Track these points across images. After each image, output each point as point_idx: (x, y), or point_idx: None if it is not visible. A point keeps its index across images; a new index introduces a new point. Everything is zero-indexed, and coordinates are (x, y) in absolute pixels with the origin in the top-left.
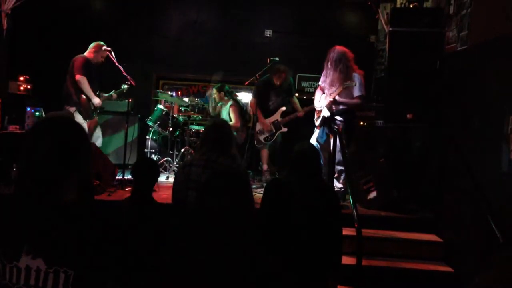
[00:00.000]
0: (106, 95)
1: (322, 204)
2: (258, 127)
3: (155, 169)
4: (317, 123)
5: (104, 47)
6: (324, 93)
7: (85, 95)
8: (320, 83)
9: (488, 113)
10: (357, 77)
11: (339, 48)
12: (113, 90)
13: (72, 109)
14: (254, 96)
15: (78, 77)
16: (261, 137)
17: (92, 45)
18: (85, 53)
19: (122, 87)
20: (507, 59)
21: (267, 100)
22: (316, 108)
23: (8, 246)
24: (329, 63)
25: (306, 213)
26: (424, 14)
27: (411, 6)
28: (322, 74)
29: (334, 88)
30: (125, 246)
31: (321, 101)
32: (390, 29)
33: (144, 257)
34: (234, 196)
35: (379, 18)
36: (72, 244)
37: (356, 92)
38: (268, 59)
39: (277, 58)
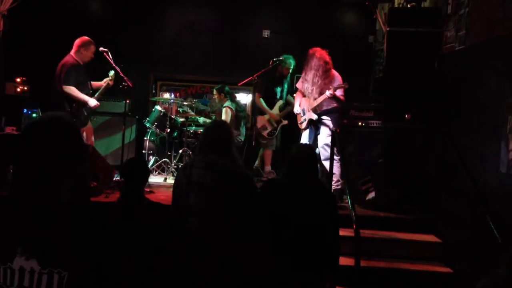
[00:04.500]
0: (97, 93)
1: (318, 205)
2: (261, 123)
3: (145, 169)
4: (302, 126)
5: (92, 45)
6: (304, 96)
7: (79, 102)
8: (299, 87)
9: (486, 113)
10: (337, 77)
11: (316, 50)
12: (103, 86)
13: None
14: (259, 91)
15: (65, 88)
16: (265, 133)
17: (78, 42)
18: (72, 52)
19: (109, 74)
20: (505, 58)
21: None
22: (295, 112)
23: (1, 247)
24: (308, 66)
25: (302, 214)
26: (422, 14)
27: (409, 6)
28: (301, 79)
29: (316, 90)
30: (119, 247)
31: (302, 104)
32: (388, 29)
33: (137, 258)
34: (241, 199)
35: (377, 18)
36: (66, 245)
37: (338, 92)
38: (271, 61)
39: (281, 58)
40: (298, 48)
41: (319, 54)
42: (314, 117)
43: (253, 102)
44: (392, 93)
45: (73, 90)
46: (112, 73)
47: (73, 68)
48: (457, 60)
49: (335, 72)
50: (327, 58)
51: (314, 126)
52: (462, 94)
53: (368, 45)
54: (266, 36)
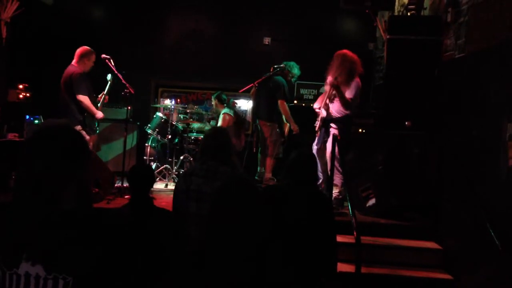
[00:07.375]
0: (100, 102)
1: (313, 211)
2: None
3: (151, 174)
4: (316, 128)
5: (93, 54)
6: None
7: (88, 112)
8: (326, 88)
9: (486, 121)
10: (354, 82)
11: (342, 52)
12: (102, 93)
13: (78, 128)
14: (283, 97)
15: (80, 97)
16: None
17: (80, 52)
18: (74, 62)
19: (107, 78)
20: (505, 66)
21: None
22: (315, 108)
23: (7, 253)
24: (332, 66)
25: (297, 220)
26: (422, 22)
27: (409, 14)
28: (326, 82)
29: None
30: (124, 253)
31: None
32: (388, 36)
33: (144, 263)
34: (249, 208)
35: (377, 25)
36: (70, 251)
37: (347, 94)
38: (272, 67)
39: (282, 65)
40: (298, 55)
41: (345, 53)
42: (324, 113)
43: (253, 108)
44: (393, 101)
45: (86, 100)
46: (110, 76)
47: (83, 78)
48: (457, 67)
49: (357, 79)
50: (354, 59)
51: (325, 131)
52: (462, 102)
53: (368, 53)
54: (267, 43)
